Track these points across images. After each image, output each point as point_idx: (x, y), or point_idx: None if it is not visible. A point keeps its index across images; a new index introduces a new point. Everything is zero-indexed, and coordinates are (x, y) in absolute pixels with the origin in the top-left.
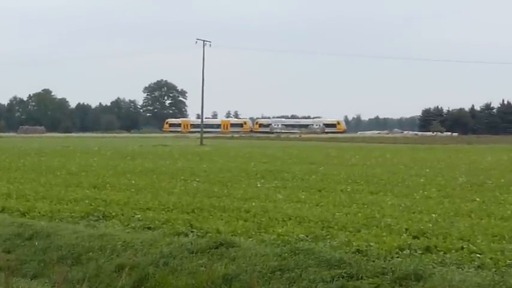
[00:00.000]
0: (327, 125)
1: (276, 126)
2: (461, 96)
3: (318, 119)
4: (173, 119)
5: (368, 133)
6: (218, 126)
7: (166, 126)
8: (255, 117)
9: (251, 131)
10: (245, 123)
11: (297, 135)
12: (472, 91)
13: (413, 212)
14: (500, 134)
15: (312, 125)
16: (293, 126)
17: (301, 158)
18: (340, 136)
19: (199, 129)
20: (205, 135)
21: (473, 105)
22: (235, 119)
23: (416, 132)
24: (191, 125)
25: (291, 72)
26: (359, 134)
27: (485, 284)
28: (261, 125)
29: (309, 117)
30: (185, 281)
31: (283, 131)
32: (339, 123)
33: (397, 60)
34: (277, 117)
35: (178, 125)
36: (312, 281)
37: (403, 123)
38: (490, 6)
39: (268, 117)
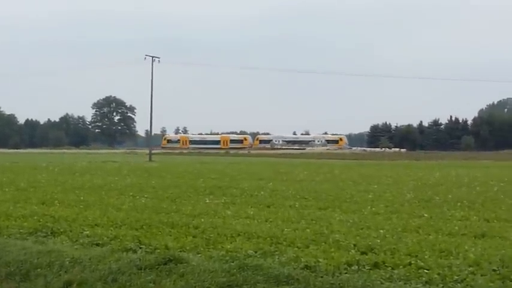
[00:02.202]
0: (329, 141)
1: (276, 142)
2: (410, 112)
3: (320, 135)
4: (171, 135)
5: (317, 149)
6: (217, 142)
7: (164, 142)
8: (204, 133)
9: (251, 147)
10: (245, 139)
11: (246, 151)
12: (420, 107)
13: (361, 227)
14: (448, 150)
15: (314, 141)
16: (294, 142)
17: (250, 173)
18: (289, 152)
19: (199, 146)
20: (203, 151)
21: (421, 122)
22: (235, 135)
23: (364, 148)
24: (190, 141)
25: (240, 88)
26: (308, 150)
27: None
28: (261, 141)
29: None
30: None
31: (283, 147)
32: (341, 139)
33: (345, 76)
34: (277, 135)
35: (177, 141)
36: None
37: (352, 139)
38: (437, 25)
39: (268, 133)
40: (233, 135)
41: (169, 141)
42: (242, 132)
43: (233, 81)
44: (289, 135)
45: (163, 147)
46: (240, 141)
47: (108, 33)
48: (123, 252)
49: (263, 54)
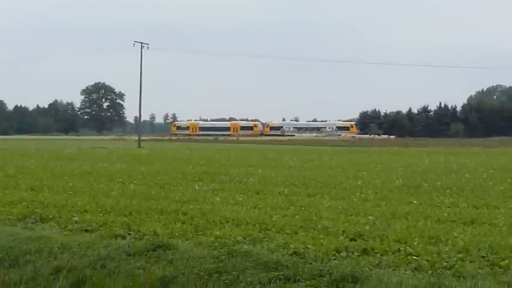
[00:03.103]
0: (340, 128)
1: (287, 129)
2: (399, 99)
3: (331, 121)
4: (181, 122)
5: (306, 135)
6: (227, 129)
7: (173, 129)
8: (193, 120)
9: (261, 134)
10: (255, 126)
11: (234, 138)
12: (410, 94)
13: (350, 214)
14: (436, 137)
15: (325, 127)
16: (305, 129)
17: (239, 160)
18: (277, 139)
19: (209, 132)
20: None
21: (410, 108)
22: (245, 122)
23: (353, 135)
24: (200, 127)
25: (229, 74)
26: (297, 136)
27: (422, 286)
28: (271, 128)
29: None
30: (123, 283)
31: (294, 133)
32: (352, 126)
33: (334, 62)
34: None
35: (187, 127)
36: (249, 283)
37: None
38: (427, 11)
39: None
40: (243, 121)
41: (178, 127)
42: (231, 119)
43: (222, 67)
44: (300, 122)
45: (173, 134)
46: (250, 128)
47: (97, 19)
48: (112, 238)
49: (253, 40)
